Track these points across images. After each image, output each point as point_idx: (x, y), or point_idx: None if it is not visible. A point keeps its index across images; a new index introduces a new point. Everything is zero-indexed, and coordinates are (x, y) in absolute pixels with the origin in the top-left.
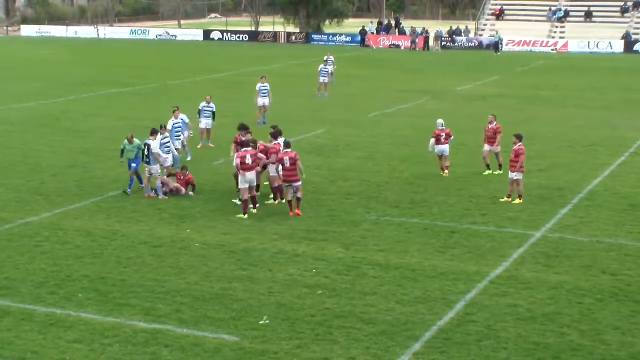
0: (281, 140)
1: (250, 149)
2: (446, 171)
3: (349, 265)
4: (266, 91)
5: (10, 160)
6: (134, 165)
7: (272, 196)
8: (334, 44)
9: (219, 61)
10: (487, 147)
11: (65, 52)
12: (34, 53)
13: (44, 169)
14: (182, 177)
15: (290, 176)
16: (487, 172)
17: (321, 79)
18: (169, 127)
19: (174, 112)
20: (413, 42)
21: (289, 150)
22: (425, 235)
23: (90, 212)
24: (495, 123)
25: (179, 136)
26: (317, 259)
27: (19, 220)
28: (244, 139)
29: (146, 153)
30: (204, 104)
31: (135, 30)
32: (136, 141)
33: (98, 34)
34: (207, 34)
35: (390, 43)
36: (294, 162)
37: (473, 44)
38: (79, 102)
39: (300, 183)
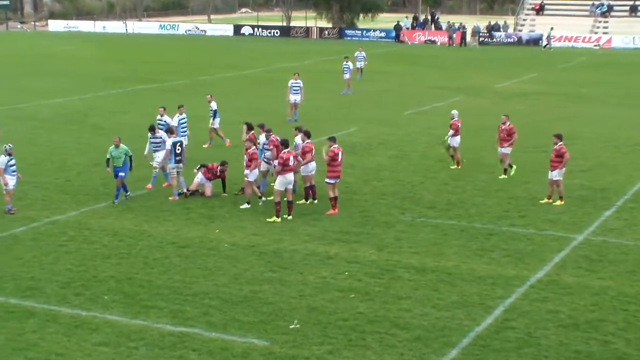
0: (298, 140)
1: (289, 149)
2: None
3: (383, 267)
4: (298, 88)
5: (37, 158)
6: (121, 174)
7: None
8: (367, 39)
9: (249, 57)
10: (505, 150)
11: (93, 47)
12: (62, 48)
13: (70, 166)
14: (217, 173)
15: (339, 171)
16: (504, 175)
17: (345, 76)
18: (175, 122)
19: (179, 107)
20: (450, 37)
21: (337, 145)
22: (462, 237)
23: (117, 211)
24: (508, 123)
25: (185, 131)
26: (350, 261)
27: (45, 218)
28: (246, 137)
29: (177, 151)
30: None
31: (164, 25)
32: (123, 146)
33: (126, 29)
34: (237, 29)
35: (426, 39)
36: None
37: (512, 40)
38: (107, 99)
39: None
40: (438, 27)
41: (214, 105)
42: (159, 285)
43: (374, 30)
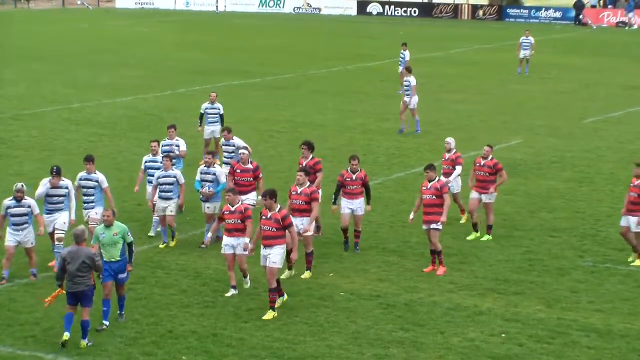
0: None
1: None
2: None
3: (553, 329)
4: (407, 87)
5: None
6: (121, 276)
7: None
8: (536, 20)
9: (377, 44)
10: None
11: (173, 30)
12: (132, 31)
13: (141, 186)
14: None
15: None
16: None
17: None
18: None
19: (223, 132)
20: None
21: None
22: None
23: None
24: (491, 157)
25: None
26: (508, 319)
27: None
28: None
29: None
30: (206, 104)
31: (265, 1)
32: (119, 225)
33: (217, 6)
34: (362, 6)
35: (618, 20)
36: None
37: None
38: (190, 97)
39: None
40: (637, 5)
41: (219, 107)
42: (253, 344)
43: (546, 9)
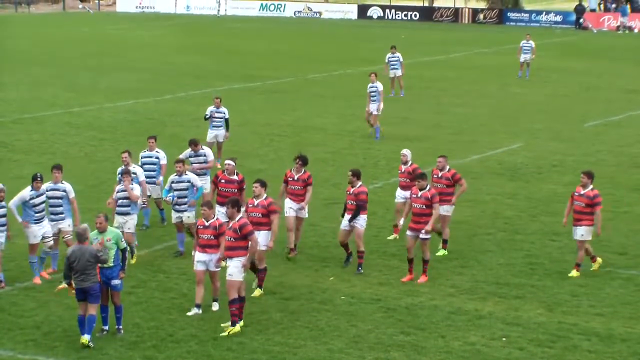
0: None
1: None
2: None
3: (554, 333)
4: (375, 93)
5: (100, 178)
6: (116, 283)
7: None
8: (537, 24)
9: (378, 47)
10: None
11: (174, 33)
12: (132, 34)
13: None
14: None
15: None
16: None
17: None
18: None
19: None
20: None
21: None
22: None
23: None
24: (448, 168)
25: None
26: (509, 323)
27: None
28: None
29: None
30: (212, 107)
31: (266, 5)
32: (112, 230)
33: (218, 10)
34: (363, 10)
35: (619, 24)
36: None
37: None
38: (190, 101)
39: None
40: (637, 9)
41: (224, 111)
42: (254, 348)
43: (547, 13)
